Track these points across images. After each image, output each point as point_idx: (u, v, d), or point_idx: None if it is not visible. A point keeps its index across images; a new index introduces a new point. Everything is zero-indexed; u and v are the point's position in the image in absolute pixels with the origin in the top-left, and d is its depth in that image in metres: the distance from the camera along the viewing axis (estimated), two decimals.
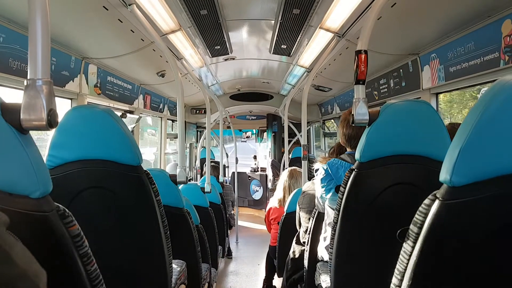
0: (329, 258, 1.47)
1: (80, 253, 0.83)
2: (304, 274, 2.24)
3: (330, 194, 1.81)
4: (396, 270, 0.81)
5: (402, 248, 0.80)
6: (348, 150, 1.90)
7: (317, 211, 2.10)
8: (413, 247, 0.76)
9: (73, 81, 2.62)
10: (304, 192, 2.62)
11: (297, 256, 2.65)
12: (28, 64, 0.81)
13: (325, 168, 1.82)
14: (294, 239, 2.77)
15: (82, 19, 2.21)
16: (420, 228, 0.75)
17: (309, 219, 2.32)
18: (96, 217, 1.38)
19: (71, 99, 2.74)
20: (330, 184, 1.81)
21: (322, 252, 1.96)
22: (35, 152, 0.79)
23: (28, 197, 0.77)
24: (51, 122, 0.79)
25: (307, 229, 2.32)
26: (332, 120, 5.95)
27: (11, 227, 0.55)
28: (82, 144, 1.34)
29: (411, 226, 0.78)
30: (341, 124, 1.89)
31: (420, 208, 0.76)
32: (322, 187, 1.84)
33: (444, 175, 0.72)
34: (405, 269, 0.77)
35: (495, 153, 0.67)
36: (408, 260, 0.77)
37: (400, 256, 0.80)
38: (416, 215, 0.77)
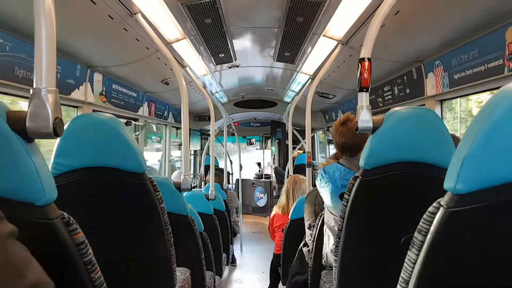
0: (334, 266, 1.46)
1: (84, 260, 0.83)
2: (309, 281, 2.23)
3: (329, 196, 1.80)
4: (400, 278, 0.80)
5: (407, 256, 0.79)
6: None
7: (320, 220, 2.09)
8: (417, 255, 0.75)
9: (78, 89, 2.64)
10: (309, 193, 2.63)
11: (302, 257, 2.64)
12: (34, 73, 0.82)
13: (323, 171, 1.84)
14: (302, 244, 2.76)
15: (87, 28, 2.23)
16: (425, 236, 0.74)
17: (312, 213, 2.31)
18: (100, 225, 1.37)
19: (76, 107, 2.77)
20: (328, 186, 1.81)
21: (328, 256, 1.94)
22: (40, 160, 0.79)
23: (33, 205, 0.77)
24: (57, 130, 0.80)
25: (309, 226, 2.32)
26: None
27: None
28: (87, 151, 1.34)
29: (416, 234, 0.77)
30: (333, 135, 1.90)
31: (424, 216, 0.76)
32: (322, 186, 1.85)
33: (448, 182, 0.71)
34: (410, 277, 0.76)
35: (500, 160, 0.67)
36: (413, 268, 0.76)
37: (405, 264, 0.79)
38: (420, 223, 0.76)
